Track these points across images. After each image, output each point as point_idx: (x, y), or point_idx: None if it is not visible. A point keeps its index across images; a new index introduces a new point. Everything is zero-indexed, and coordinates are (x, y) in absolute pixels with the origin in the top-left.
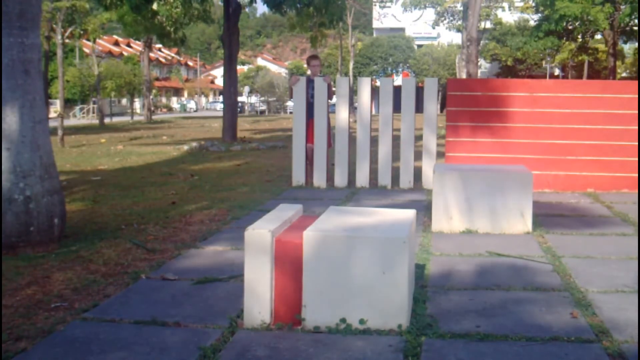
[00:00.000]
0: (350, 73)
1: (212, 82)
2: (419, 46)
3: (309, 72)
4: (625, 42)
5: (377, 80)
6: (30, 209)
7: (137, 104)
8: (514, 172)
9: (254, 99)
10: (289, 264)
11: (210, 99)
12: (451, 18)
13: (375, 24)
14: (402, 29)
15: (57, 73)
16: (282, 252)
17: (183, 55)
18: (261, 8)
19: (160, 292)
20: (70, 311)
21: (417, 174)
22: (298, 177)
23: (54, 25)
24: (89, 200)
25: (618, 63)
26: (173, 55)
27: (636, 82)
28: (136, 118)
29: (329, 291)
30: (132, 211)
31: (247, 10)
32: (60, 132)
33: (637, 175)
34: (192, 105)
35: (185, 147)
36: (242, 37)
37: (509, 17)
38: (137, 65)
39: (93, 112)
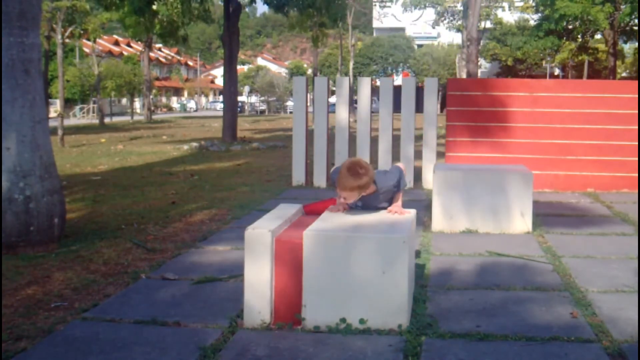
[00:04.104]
0: (350, 73)
1: (212, 81)
2: (419, 46)
3: None
4: (625, 42)
5: (377, 80)
6: (30, 208)
7: (137, 103)
8: (514, 171)
9: (254, 99)
10: (289, 264)
11: (210, 98)
12: (451, 18)
13: (376, 24)
14: (402, 29)
15: (57, 73)
16: (282, 252)
17: (183, 55)
18: (261, 8)
19: (160, 292)
20: (70, 311)
21: (417, 173)
22: (298, 176)
23: (54, 25)
24: (89, 200)
25: (618, 63)
26: (173, 55)
27: (636, 82)
28: (136, 118)
29: (329, 291)
30: (132, 211)
31: (247, 10)
32: (60, 132)
33: (637, 175)
34: (192, 105)
35: (185, 147)
36: (242, 36)
37: (509, 16)
38: (137, 65)
39: (93, 112)
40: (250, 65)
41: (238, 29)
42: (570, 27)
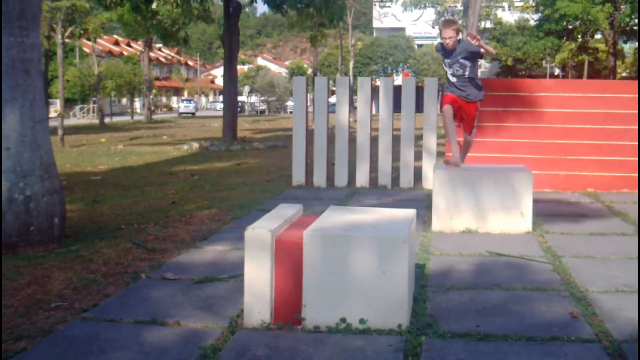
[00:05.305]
0: (350, 73)
1: (212, 81)
2: (419, 46)
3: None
4: (625, 42)
5: (377, 80)
6: (30, 208)
7: (137, 103)
8: (514, 171)
9: (254, 99)
10: (289, 264)
11: (211, 98)
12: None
13: (376, 24)
14: (402, 29)
15: (57, 73)
16: (282, 252)
17: (183, 55)
18: (261, 8)
19: (160, 291)
20: (70, 311)
21: (417, 173)
22: (298, 176)
23: (54, 25)
24: (89, 200)
25: (618, 63)
26: (173, 55)
27: (636, 82)
28: (136, 118)
29: (329, 291)
30: (132, 211)
31: (247, 9)
32: (60, 132)
33: (637, 175)
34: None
35: (185, 147)
36: (242, 36)
37: (509, 16)
38: (137, 64)
39: (93, 112)
40: (250, 65)
41: (238, 28)
42: (570, 27)
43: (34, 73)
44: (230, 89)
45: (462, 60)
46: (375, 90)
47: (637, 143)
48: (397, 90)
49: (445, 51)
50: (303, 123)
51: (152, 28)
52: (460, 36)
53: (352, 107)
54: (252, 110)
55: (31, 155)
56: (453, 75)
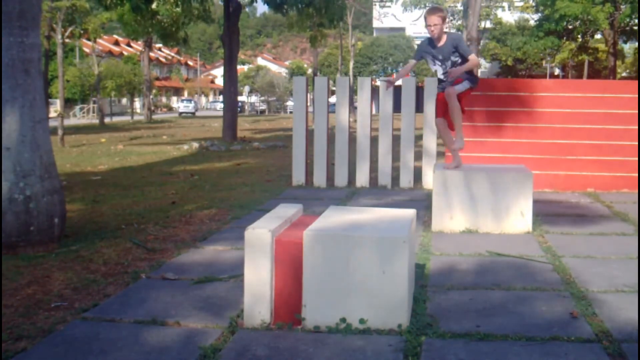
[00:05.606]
0: (351, 73)
1: (212, 81)
2: None
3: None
4: (625, 42)
5: (377, 80)
6: (30, 208)
7: (137, 103)
8: (514, 171)
9: (254, 99)
10: (289, 264)
11: (211, 98)
12: (451, 18)
13: (376, 24)
14: (402, 29)
15: (57, 73)
16: (282, 252)
17: (183, 55)
18: (261, 8)
19: (160, 291)
20: (70, 311)
21: (417, 173)
22: (298, 176)
23: (54, 25)
24: (89, 200)
25: (618, 63)
26: (173, 55)
27: (636, 82)
28: (136, 118)
29: (329, 291)
30: (132, 211)
31: (247, 9)
32: (60, 132)
33: (637, 175)
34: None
35: (185, 147)
36: (242, 36)
37: (509, 16)
38: (137, 64)
39: (93, 112)
40: (250, 65)
41: (238, 28)
42: (570, 27)
43: (34, 73)
44: (230, 89)
45: (454, 58)
46: (375, 90)
47: (637, 143)
48: (397, 90)
49: (430, 41)
50: (303, 123)
51: (152, 28)
52: (446, 26)
53: (352, 107)
54: (252, 110)
55: (31, 155)
56: (444, 73)
